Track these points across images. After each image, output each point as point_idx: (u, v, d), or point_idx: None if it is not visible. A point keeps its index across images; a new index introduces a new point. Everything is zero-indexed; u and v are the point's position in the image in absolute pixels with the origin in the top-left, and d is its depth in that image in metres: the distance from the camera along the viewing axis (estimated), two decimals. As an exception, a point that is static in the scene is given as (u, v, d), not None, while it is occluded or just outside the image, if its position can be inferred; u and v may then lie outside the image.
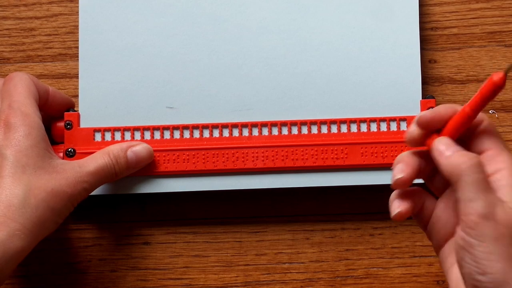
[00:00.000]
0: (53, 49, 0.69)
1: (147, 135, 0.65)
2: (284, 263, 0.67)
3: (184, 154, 0.65)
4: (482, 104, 0.50)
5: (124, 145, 0.63)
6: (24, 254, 0.56)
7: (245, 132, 0.65)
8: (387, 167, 0.61)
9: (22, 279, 0.66)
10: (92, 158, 0.61)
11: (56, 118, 0.65)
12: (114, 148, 0.62)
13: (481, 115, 0.52)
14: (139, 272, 0.67)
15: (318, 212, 0.67)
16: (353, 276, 0.66)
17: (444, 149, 0.51)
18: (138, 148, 0.63)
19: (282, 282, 0.66)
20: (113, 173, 0.62)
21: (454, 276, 0.51)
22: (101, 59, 0.66)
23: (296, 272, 0.66)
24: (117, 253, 0.67)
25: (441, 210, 0.53)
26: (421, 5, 0.68)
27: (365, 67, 0.66)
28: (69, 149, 0.64)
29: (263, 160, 0.65)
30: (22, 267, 0.67)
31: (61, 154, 0.64)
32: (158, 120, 0.66)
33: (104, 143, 0.65)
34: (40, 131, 0.59)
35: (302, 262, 0.66)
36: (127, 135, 0.65)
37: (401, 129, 0.64)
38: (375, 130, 0.64)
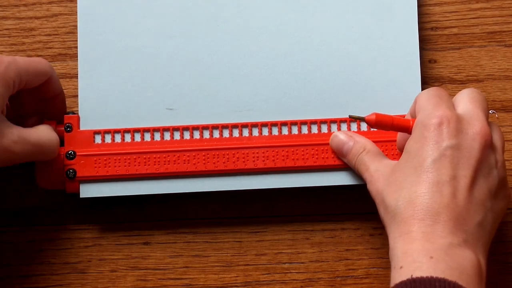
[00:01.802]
0: (53, 49, 0.69)
1: (147, 136, 0.65)
2: (284, 263, 0.67)
3: (184, 155, 0.65)
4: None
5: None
6: None
7: (245, 133, 0.65)
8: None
9: (22, 279, 0.66)
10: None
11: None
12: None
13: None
14: (139, 272, 0.67)
15: (318, 212, 0.67)
16: (353, 276, 0.66)
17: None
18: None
19: (282, 282, 0.66)
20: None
21: None
22: (101, 60, 0.66)
23: (296, 272, 0.66)
24: (117, 253, 0.67)
25: None
26: (421, 5, 0.68)
27: (365, 67, 0.66)
28: (69, 152, 0.64)
29: (263, 160, 0.65)
30: (22, 267, 0.67)
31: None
32: (158, 121, 0.65)
33: (104, 145, 0.65)
34: None
35: (302, 262, 0.66)
36: (127, 137, 0.65)
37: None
38: (375, 129, 0.64)
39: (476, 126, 0.57)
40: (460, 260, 0.53)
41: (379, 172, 0.60)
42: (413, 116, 0.61)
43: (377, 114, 0.60)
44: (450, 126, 0.56)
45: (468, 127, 0.57)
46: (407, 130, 0.60)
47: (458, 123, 0.57)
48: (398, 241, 0.55)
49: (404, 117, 0.63)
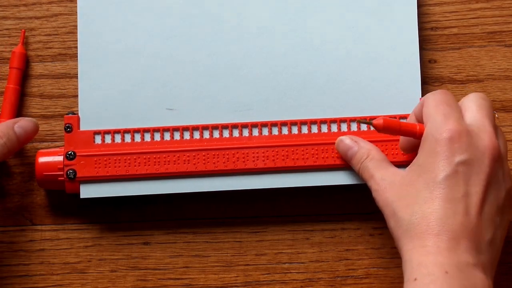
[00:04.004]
0: (53, 49, 0.69)
1: (147, 136, 0.65)
2: (284, 263, 0.67)
3: (184, 155, 0.65)
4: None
5: (9, 123, 0.64)
6: None
7: (245, 133, 0.65)
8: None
9: (22, 279, 0.67)
10: None
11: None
12: (1, 128, 0.63)
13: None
14: (139, 272, 0.67)
15: (318, 212, 0.67)
16: (353, 276, 0.66)
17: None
18: (23, 122, 0.65)
19: (282, 282, 0.66)
20: (5, 151, 0.63)
21: None
22: (101, 61, 0.66)
23: (296, 272, 0.66)
24: (117, 253, 0.67)
25: None
26: (421, 5, 0.68)
27: (365, 67, 0.66)
28: (69, 152, 0.64)
29: (263, 160, 0.65)
30: (22, 267, 0.67)
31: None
32: (158, 121, 0.66)
33: (104, 146, 0.65)
34: None
35: (302, 262, 0.67)
36: (127, 137, 0.65)
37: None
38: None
39: (485, 139, 0.57)
40: (474, 281, 0.54)
41: (385, 182, 0.60)
42: (418, 116, 0.61)
43: (384, 119, 0.60)
44: (461, 141, 0.56)
45: (478, 140, 0.57)
46: (414, 135, 0.60)
47: (469, 137, 0.57)
48: (413, 253, 0.55)
49: (408, 116, 0.63)
